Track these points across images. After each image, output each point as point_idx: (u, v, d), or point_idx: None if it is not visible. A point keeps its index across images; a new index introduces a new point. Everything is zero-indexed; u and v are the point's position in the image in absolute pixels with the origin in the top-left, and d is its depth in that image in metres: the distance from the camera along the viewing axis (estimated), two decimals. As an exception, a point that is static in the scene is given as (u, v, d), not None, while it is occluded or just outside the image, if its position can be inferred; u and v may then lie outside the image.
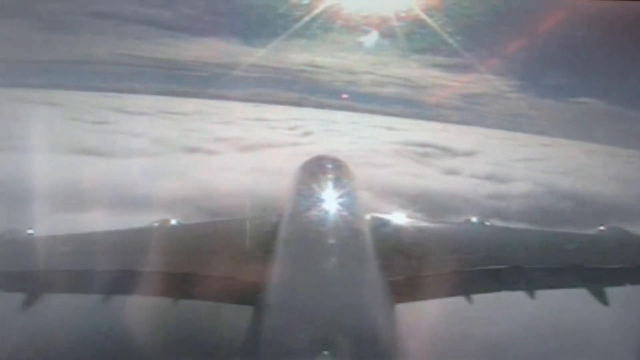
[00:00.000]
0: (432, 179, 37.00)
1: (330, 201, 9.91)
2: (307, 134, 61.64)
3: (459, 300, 8.42)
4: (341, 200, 10.03)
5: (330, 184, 11.06)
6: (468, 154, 55.22)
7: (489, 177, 39.89)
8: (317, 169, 12.23)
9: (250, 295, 7.12)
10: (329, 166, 12.43)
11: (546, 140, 74.49)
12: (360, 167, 36.06)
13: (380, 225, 9.62)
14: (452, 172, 42.20)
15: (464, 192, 32.49)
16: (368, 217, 9.76)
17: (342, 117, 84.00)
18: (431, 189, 31.36)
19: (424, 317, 8.42)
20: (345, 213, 9.27)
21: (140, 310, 8.74)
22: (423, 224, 10.19)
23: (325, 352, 5.27)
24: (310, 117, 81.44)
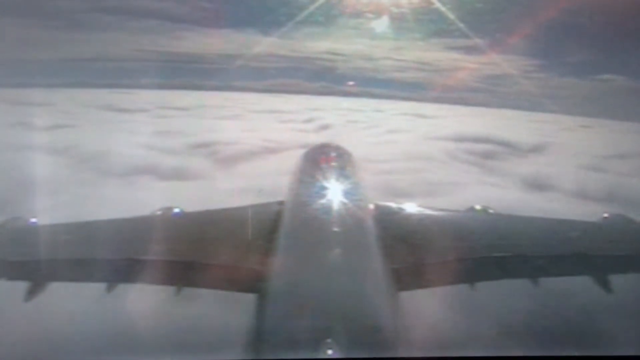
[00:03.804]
0: (522, 206, 20.81)
1: (333, 189, 8.93)
2: (324, 127, 47.62)
3: (463, 288, 7.42)
4: (344, 188, 9.00)
5: (333, 172, 9.80)
6: (537, 149, 39.78)
7: (605, 198, 23.42)
8: (320, 157, 11.00)
9: (253, 283, 6.54)
10: (332, 154, 11.12)
11: (582, 120, 64.31)
12: (413, 193, 21.71)
13: (383, 214, 8.61)
14: (538, 184, 26.44)
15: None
16: (371, 205, 8.85)
17: (363, 105, 76.15)
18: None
19: (427, 305, 7.66)
20: (348, 201, 8.36)
21: (143, 298, 8.11)
22: (426, 211, 9.04)
23: (329, 340, 4.77)
24: (330, 106, 72.42)
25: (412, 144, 37.02)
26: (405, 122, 56.27)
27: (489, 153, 34.84)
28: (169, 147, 31.03)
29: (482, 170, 29.35)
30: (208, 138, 35.10)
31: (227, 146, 31.74)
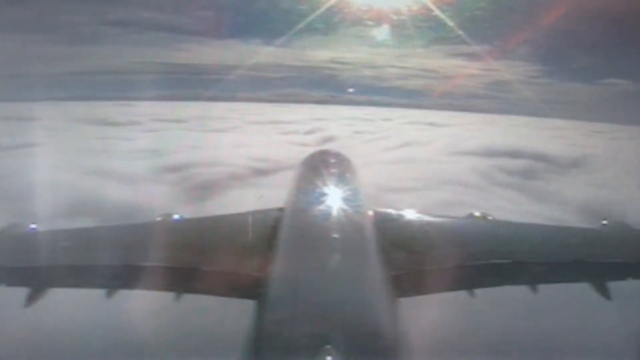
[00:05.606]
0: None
1: (332, 195, 8.73)
2: (328, 139, 41.87)
3: (462, 295, 7.27)
4: (343, 194, 8.81)
5: (332, 178, 9.58)
6: (575, 163, 33.69)
7: None
8: (319, 163, 10.69)
9: (252, 290, 6.40)
10: (332, 160, 10.88)
11: (592, 125, 61.06)
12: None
13: (382, 220, 8.38)
14: (609, 217, 18.84)
15: None
16: (370, 211, 8.57)
17: (369, 113, 72.86)
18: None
19: (427, 311, 7.34)
20: (347, 207, 8.19)
21: (143, 304, 7.95)
22: (426, 218, 8.65)
23: (328, 346, 4.59)
24: (335, 115, 68.28)
25: (435, 161, 30.59)
26: (417, 132, 50.04)
27: (527, 171, 28.54)
28: (138, 172, 24.76)
29: (531, 197, 22.74)
30: (189, 157, 29.28)
31: (207, 168, 25.45)
